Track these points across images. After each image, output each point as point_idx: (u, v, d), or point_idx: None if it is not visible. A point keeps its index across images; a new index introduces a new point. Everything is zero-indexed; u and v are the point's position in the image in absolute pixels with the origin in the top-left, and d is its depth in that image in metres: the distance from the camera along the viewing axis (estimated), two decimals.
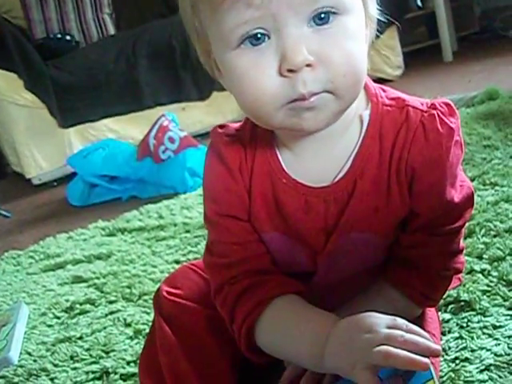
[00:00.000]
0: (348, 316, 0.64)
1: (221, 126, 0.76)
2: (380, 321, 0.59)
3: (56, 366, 1.07)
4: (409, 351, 0.55)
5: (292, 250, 0.74)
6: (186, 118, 2.86)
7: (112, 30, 3.47)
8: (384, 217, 0.70)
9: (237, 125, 0.76)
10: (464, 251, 0.77)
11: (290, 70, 0.57)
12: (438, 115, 0.67)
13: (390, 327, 0.58)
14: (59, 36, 3.23)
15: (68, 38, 3.24)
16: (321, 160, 0.70)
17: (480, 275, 0.98)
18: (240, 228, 0.73)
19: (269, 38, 0.58)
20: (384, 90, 0.72)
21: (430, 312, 0.80)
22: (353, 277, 0.75)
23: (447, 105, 0.69)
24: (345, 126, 0.68)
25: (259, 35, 0.58)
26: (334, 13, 0.58)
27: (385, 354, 0.55)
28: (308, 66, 0.57)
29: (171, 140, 2.23)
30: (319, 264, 0.74)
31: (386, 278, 0.75)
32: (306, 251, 0.73)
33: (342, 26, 0.59)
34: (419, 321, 0.77)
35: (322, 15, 0.57)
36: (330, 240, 0.71)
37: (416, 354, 0.55)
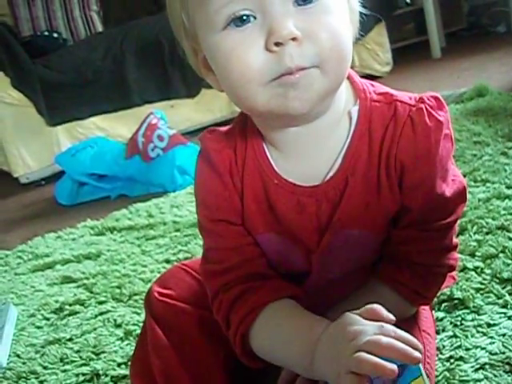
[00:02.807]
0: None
1: (210, 131, 0.76)
2: (366, 328, 0.57)
3: (45, 368, 1.06)
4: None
5: (286, 250, 0.73)
6: (175, 116, 2.85)
7: (100, 28, 3.45)
8: (375, 213, 0.69)
9: (226, 128, 0.75)
10: (458, 248, 0.77)
11: (277, 44, 0.57)
12: (426, 109, 0.66)
13: (376, 334, 0.56)
14: (46, 33, 3.21)
15: (55, 35, 3.22)
16: (311, 159, 0.69)
17: (473, 273, 0.98)
18: (233, 232, 0.73)
19: (254, 18, 0.59)
20: (372, 85, 0.71)
21: (425, 311, 0.80)
22: (347, 275, 0.75)
23: (435, 98, 0.68)
24: (333, 123, 0.68)
25: (245, 17, 0.59)
26: None
27: (358, 361, 0.54)
28: (294, 40, 0.57)
29: (160, 138, 2.22)
30: (313, 263, 0.73)
31: (378, 276, 0.74)
32: (300, 251, 0.73)
33: (324, 5, 0.59)
34: (414, 320, 0.77)
35: None
36: (323, 238, 0.71)
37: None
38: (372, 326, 0.57)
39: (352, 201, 0.68)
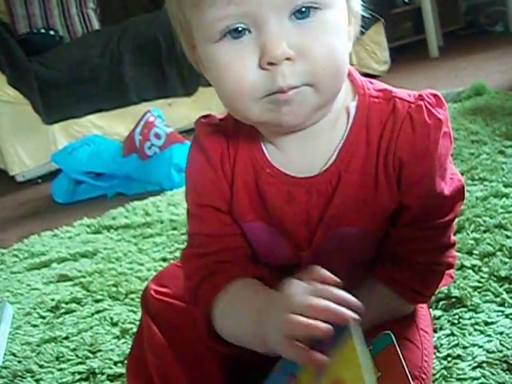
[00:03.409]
0: None
1: (204, 117, 0.76)
2: (297, 289, 0.56)
3: (41, 366, 1.06)
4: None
5: (274, 241, 0.72)
6: (173, 114, 2.84)
7: (97, 25, 3.44)
8: (372, 210, 0.69)
9: (221, 115, 0.75)
10: (455, 246, 0.76)
11: (270, 63, 0.57)
12: (426, 106, 0.66)
13: (308, 294, 0.55)
14: (43, 31, 3.20)
15: (52, 33, 3.21)
16: (306, 153, 0.69)
17: (471, 271, 0.98)
18: (218, 220, 0.73)
19: (249, 31, 0.58)
20: (371, 83, 0.71)
21: (423, 309, 0.79)
22: (342, 272, 0.74)
23: (435, 96, 0.68)
24: (331, 119, 0.67)
25: (240, 29, 0.58)
26: (314, 8, 0.58)
27: (289, 323, 0.53)
28: (288, 59, 0.57)
29: (157, 136, 2.21)
30: (304, 259, 0.72)
31: (376, 275, 0.74)
32: (288, 243, 0.72)
33: (322, 20, 0.59)
34: (412, 318, 0.76)
35: (303, 9, 0.58)
36: (317, 235, 0.70)
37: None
38: (303, 288, 0.56)
39: (346, 196, 0.68)
